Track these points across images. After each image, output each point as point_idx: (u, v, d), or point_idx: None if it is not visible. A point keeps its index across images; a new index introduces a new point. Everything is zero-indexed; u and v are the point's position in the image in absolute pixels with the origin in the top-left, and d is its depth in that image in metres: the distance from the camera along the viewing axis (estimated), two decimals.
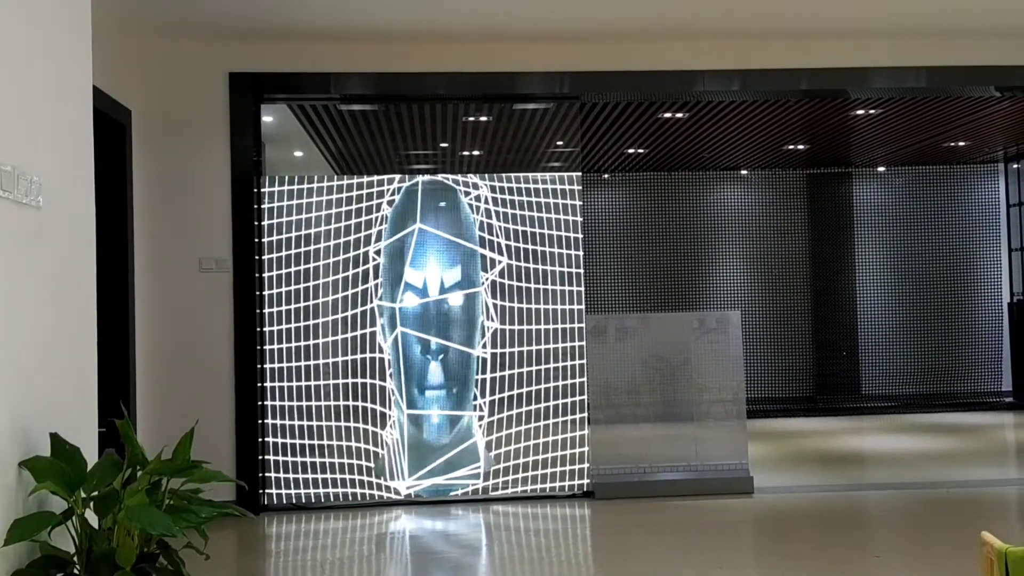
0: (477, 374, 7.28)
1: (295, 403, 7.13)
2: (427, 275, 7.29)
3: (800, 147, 11.46)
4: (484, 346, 7.26)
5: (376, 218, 7.24)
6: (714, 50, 7.20)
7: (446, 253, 7.32)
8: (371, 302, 7.20)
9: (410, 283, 7.26)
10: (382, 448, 7.21)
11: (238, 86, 7.03)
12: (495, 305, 7.29)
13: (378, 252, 7.22)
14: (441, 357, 7.27)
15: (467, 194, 7.34)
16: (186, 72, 7.00)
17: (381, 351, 7.22)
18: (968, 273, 13.06)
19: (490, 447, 7.25)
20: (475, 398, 7.27)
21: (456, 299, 7.32)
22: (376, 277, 7.21)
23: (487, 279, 7.30)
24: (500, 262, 7.30)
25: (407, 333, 7.25)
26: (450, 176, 7.48)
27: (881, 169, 13.13)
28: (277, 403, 7.10)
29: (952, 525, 6.40)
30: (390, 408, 7.22)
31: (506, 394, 7.26)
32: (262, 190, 7.18)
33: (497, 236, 7.31)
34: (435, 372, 7.30)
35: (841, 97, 8.45)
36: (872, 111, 9.43)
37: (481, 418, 7.25)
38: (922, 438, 10.59)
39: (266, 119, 7.73)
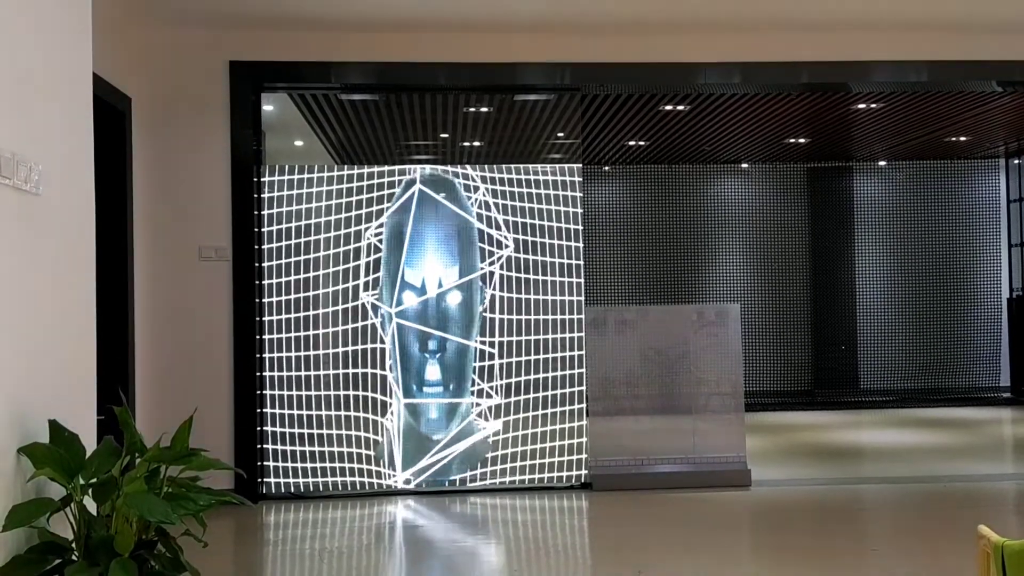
0: (475, 362, 7.28)
1: (294, 392, 7.13)
2: (426, 261, 7.28)
3: (801, 141, 11.45)
4: (482, 336, 7.26)
5: (376, 211, 7.23)
6: (715, 43, 7.18)
7: (444, 244, 7.31)
8: (369, 292, 7.20)
9: (409, 274, 7.25)
10: (382, 435, 7.21)
11: (238, 74, 7.02)
12: (494, 296, 7.28)
13: (379, 241, 7.21)
14: (439, 356, 7.27)
15: (467, 188, 7.34)
16: (186, 60, 6.98)
17: (381, 341, 7.22)
18: (967, 268, 13.07)
19: (489, 434, 7.26)
20: (473, 384, 7.27)
21: (455, 290, 7.31)
22: (377, 270, 7.21)
23: (486, 269, 7.30)
24: (500, 253, 7.30)
25: (406, 324, 7.25)
26: (450, 168, 7.47)
27: (882, 163, 13.13)
28: (276, 392, 7.11)
29: (949, 519, 6.41)
30: (391, 397, 7.23)
31: (504, 381, 7.26)
32: (262, 179, 7.18)
33: (497, 228, 7.31)
34: (433, 367, 7.30)
35: (842, 91, 8.44)
36: (873, 105, 9.42)
37: (479, 404, 7.26)
38: (920, 432, 10.61)
39: (266, 108, 7.72)
